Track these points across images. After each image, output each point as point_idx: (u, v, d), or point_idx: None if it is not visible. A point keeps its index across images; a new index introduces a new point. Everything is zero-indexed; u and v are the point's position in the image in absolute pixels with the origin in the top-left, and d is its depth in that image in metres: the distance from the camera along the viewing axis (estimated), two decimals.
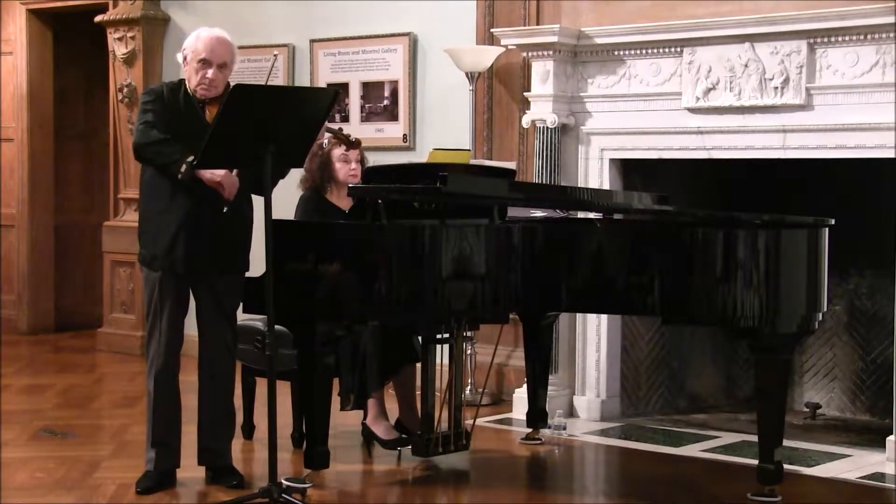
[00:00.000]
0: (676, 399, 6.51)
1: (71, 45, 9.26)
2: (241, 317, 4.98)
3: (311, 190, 5.45)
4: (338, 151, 5.37)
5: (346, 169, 5.36)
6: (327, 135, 5.07)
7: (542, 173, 6.13)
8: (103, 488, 4.72)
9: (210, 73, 4.58)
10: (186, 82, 4.65)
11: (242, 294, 4.75)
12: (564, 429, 5.79)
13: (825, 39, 5.43)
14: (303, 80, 7.54)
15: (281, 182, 4.72)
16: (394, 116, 7.20)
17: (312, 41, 7.53)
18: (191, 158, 4.41)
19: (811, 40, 5.46)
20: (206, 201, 4.54)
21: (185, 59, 4.64)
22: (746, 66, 5.64)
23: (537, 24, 6.42)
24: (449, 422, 5.16)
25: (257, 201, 4.67)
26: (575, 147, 6.22)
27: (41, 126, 9.17)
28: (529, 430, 5.67)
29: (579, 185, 6.12)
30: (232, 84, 4.46)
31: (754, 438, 4.75)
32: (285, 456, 5.10)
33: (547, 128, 6.13)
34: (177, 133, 4.54)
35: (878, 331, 6.17)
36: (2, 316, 9.22)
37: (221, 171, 4.49)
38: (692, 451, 5.53)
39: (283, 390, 4.88)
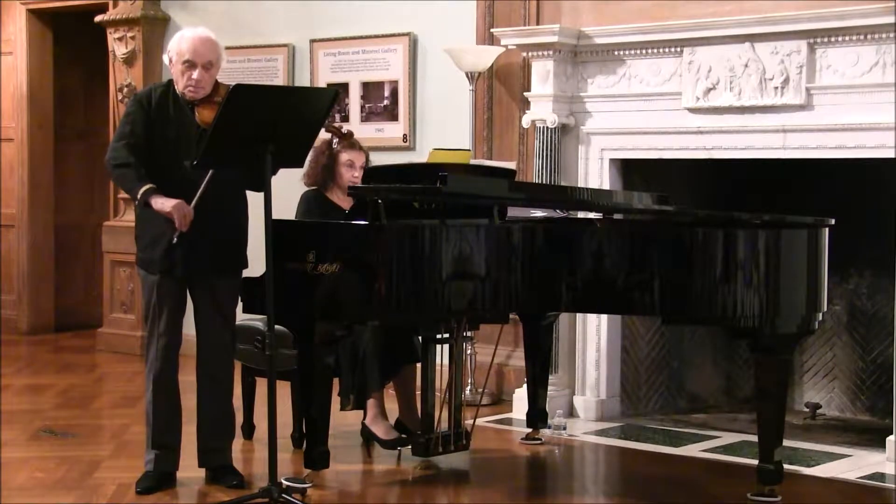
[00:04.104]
0: (676, 399, 6.51)
1: (71, 45, 9.26)
2: (241, 317, 4.98)
3: (313, 188, 5.47)
4: (345, 156, 5.39)
5: (350, 174, 5.37)
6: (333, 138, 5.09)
7: (542, 173, 6.12)
8: (103, 488, 4.72)
9: (195, 74, 4.58)
10: (174, 83, 4.65)
11: (242, 294, 4.76)
12: (564, 429, 5.79)
13: (825, 39, 5.43)
14: (303, 80, 7.53)
15: (281, 181, 4.71)
16: (394, 116, 7.20)
17: (312, 41, 7.52)
18: (147, 187, 4.45)
19: (811, 40, 5.46)
20: (203, 204, 4.53)
21: (170, 60, 4.65)
22: (746, 66, 5.64)
23: (537, 24, 6.42)
24: (449, 422, 5.17)
25: (252, 199, 4.67)
26: (575, 147, 6.22)
27: (41, 126, 9.17)
28: (529, 430, 5.67)
29: (579, 185, 6.12)
30: (232, 84, 4.44)
31: (754, 438, 4.75)
32: (285, 456, 5.10)
33: (547, 128, 6.13)
34: (166, 134, 4.57)
35: (878, 331, 6.16)
36: (2, 316, 9.21)
37: (172, 202, 4.46)
38: (692, 451, 5.53)
39: (283, 390, 4.88)
